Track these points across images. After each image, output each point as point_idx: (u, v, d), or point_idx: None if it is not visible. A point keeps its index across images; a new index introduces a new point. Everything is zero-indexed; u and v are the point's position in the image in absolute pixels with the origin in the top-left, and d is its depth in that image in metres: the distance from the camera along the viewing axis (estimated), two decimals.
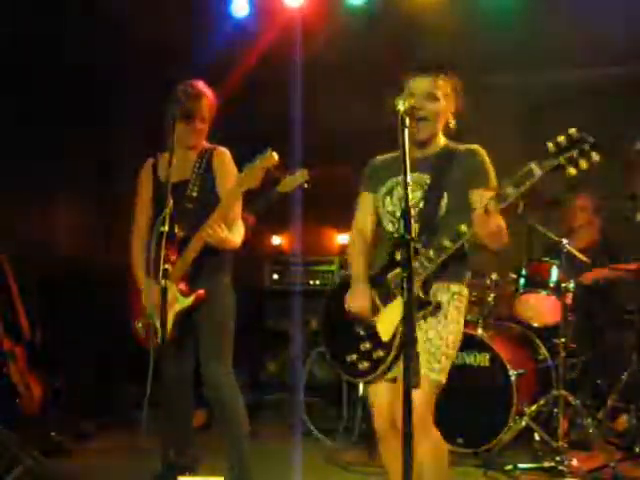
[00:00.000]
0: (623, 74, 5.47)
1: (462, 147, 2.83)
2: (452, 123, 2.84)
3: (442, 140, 2.87)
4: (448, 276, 2.72)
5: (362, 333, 2.76)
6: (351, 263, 2.89)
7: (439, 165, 2.77)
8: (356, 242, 2.94)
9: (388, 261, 2.73)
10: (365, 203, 2.96)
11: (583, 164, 2.31)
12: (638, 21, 5.23)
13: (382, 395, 2.80)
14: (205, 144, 3.61)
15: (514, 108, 5.75)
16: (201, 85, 3.53)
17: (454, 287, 2.76)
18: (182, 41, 5.52)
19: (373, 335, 2.71)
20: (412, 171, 2.28)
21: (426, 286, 2.65)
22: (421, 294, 2.61)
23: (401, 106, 2.40)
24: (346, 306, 2.77)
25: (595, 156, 2.31)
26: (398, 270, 2.66)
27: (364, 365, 2.74)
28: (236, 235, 3.44)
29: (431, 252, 2.58)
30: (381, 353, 2.68)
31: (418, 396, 2.53)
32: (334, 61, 5.84)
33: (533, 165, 2.36)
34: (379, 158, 2.99)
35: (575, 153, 2.30)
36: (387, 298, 2.71)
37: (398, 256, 2.67)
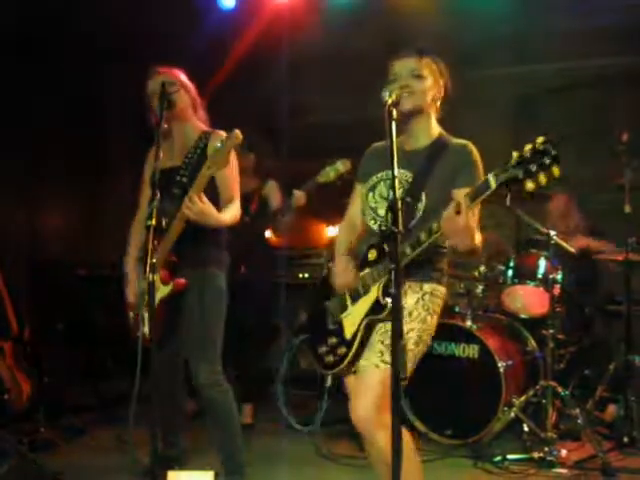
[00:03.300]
0: (609, 67, 5.49)
1: (454, 142, 2.76)
2: (438, 105, 2.80)
3: (435, 130, 2.80)
4: (421, 275, 2.69)
5: (331, 327, 2.79)
6: (335, 260, 2.88)
7: (427, 161, 2.71)
8: (342, 229, 2.97)
9: (362, 259, 2.73)
10: (356, 194, 2.96)
11: (542, 179, 2.13)
12: (624, 14, 5.25)
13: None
14: (203, 126, 3.54)
15: (502, 100, 5.75)
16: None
17: (426, 287, 2.71)
18: (169, 33, 5.50)
19: (340, 331, 2.74)
20: (398, 167, 2.23)
21: (387, 288, 2.57)
22: (380, 297, 2.60)
23: (388, 98, 2.39)
24: (332, 282, 2.79)
25: (555, 171, 2.11)
26: (368, 270, 2.68)
27: (330, 359, 2.76)
28: (226, 213, 3.34)
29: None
30: (344, 349, 2.70)
31: (369, 390, 2.59)
32: (321, 53, 5.83)
33: (490, 177, 2.25)
34: (374, 146, 2.96)
35: (535, 167, 2.12)
36: (356, 296, 2.72)
37: (371, 255, 2.68)
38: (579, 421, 4.14)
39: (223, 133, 3.49)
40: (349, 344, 2.68)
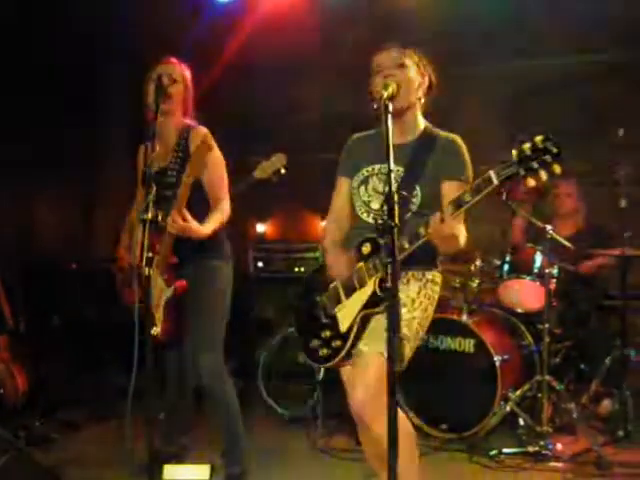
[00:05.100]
0: (605, 61, 5.48)
1: (442, 134, 2.79)
2: (423, 99, 2.80)
3: (422, 123, 2.82)
4: (424, 263, 2.74)
5: (325, 321, 2.78)
6: (325, 252, 2.88)
7: (415, 155, 2.73)
8: (330, 230, 2.91)
9: (356, 253, 2.70)
10: (342, 188, 2.91)
11: (543, 176, 2.19)
12: (619, 8, 5.24)
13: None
14: (184, 121, 3.52)
15: (496, 96, 5.74)
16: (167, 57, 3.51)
17: (429, 274, 2.79)
18: (166, 28, 5.48)
19: (334, 324, 2.74)
20: (387, 161, 2.23)
21: (383, 282, 2.55)
22: (377, 290, 2.59)
23: (384, 92, 2.39)
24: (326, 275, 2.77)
25: (556, 168, 2.17)
26: (361, 264, 2.65)
27: (324, 352, 2.77)
28: (210, 222, 3.34)
29: None
30: (339, 342, 2.71)
31: (371, 375, 2.61)
32: (319, 48, 5.82)
33: (492, 173, 2.29)
34: (355, 138, 2.95)
35: (536, 164, 2.18)
36: (350, 290, 2.70)
37: (365, 249, 2.65)
38: (574, 415, 4.15)
39: (204, 129, 3.48)
40: (345, 337, 2.69)
